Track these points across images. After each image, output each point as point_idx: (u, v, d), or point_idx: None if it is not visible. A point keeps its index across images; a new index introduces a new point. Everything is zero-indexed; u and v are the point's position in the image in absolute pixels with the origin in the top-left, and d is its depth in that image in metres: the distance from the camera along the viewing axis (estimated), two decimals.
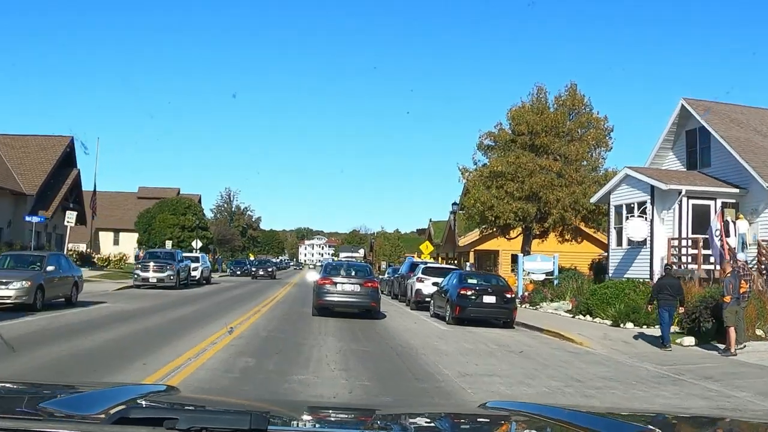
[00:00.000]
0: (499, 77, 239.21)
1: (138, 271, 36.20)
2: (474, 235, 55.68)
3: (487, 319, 21.49)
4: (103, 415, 2.04)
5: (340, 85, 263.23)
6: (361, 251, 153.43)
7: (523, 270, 33.18)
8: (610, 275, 29.17)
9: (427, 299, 26.45)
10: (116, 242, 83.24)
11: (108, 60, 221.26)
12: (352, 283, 21.65)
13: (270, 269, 62.99)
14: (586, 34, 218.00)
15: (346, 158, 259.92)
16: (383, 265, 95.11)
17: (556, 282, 32.23)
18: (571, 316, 25.13)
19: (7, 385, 3.01)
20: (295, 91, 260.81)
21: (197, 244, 70.15)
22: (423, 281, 27.48)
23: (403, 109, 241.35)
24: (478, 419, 2.75)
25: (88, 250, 55.91)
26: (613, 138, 36.42)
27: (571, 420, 2.35)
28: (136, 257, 51.65)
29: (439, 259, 61.15)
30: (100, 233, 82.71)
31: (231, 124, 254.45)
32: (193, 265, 42.82)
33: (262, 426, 1.88)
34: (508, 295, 21.42)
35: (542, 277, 33.18)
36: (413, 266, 33.09)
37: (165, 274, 35.90)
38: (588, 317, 23.82)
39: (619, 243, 28.91)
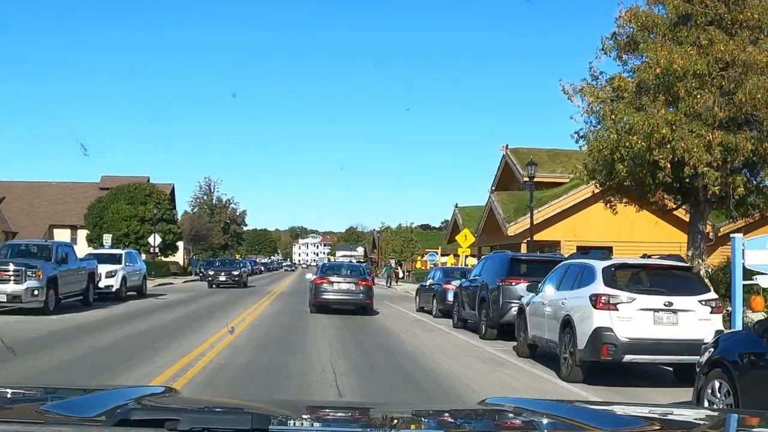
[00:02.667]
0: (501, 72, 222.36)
1: None
2: (527, 221, 38.89)
3: None
4: (104, 417, 2.00)
5: (337, 82, 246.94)
6: (360, 249, 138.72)
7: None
8: None
9: (656, 361, 9.43)
10: (74, 240, 68.53)
11: (96, 51, 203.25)
12: (348, 282, 22.58)
13: (236, 273, 41.40)
14: None
15: (340, 155, 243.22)
16: (392, 263, 79.09)
17: None
18: None
19: (8, 389, 2.92)
20: (287, 88, 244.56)
21: (155, 240, 54.80)
22: (621, 306, 9.53)
23: (402, 105, 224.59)
24: (479, 415, 2.66)
25: None
26: None
27: (572, 415, 2.29)
28: None
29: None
30: (55, 230, 69.74)
31: (220, 119, 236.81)
32: (106, 268, 25.55)
33: (264, 426, 1.87)
34: None
35: None
36: (514, 264, 15.85)
37: (22, 287, 18.76)
38: None
39: None
